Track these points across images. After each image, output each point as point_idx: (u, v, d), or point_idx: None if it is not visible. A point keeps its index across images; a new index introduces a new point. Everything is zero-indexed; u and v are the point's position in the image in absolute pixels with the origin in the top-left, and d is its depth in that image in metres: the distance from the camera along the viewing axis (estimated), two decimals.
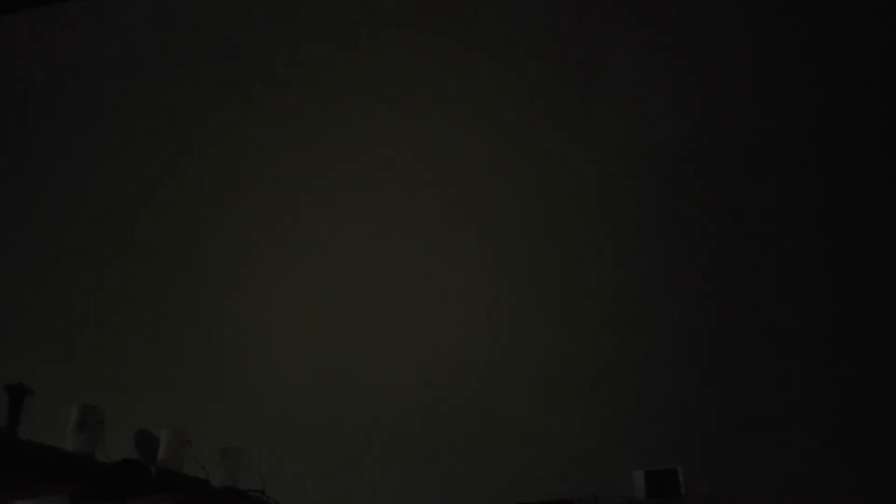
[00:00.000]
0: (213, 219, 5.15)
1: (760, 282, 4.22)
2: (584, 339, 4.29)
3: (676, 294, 4.27)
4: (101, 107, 5.69)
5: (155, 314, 4.95)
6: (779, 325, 4.10)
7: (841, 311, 4.06)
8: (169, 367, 4.76)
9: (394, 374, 4.45)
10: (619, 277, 4.39)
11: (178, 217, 5.22)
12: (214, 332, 4.81)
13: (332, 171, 5.08)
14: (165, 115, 5.54)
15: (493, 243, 4.64)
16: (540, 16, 5.08)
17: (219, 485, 3.33)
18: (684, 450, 3.85)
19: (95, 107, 5.71)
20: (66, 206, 5.45)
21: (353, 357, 4.56)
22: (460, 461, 4.15)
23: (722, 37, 4.76)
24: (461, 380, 4.34)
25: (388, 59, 5.26)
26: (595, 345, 4.26)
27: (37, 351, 4.93)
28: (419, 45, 5.25)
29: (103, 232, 5.30)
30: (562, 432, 4.10)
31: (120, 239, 5.25)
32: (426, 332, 4.51)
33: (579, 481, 3.86)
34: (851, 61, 4.52)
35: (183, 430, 3.22)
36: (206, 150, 5.37)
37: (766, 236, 4.31)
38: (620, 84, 4.82)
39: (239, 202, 5.14)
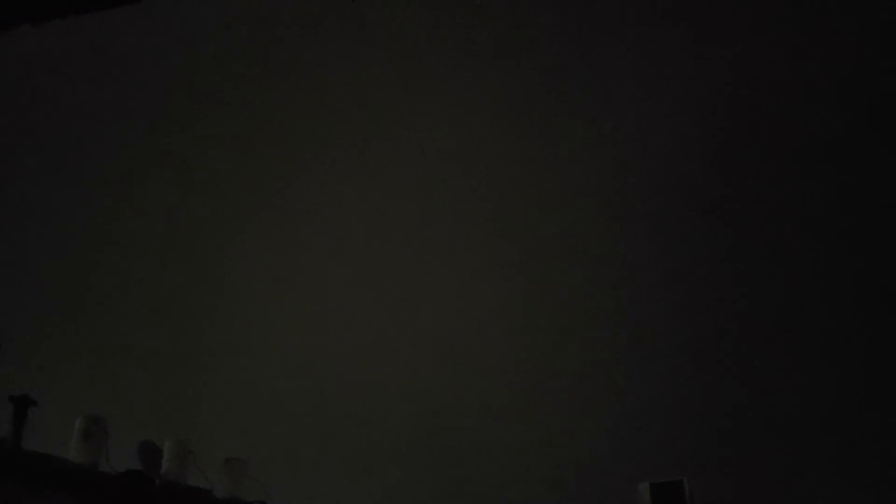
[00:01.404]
0: (219, 228, 5.15)
1: (765, 287, 4.21)
2: (588, 349, 4.28)
3: (681, 302, 4.26)
4: (95, 112, 5.71)
5: (159, 324, 4.95)
6: (786, 332, 4.09)
7: (848, 318, 4.05)
8: (173, 378, 4.75)
9: (398, 383, 4.44)
10: (625, 285, 4.39)
11: (182, 227, 5.22)
12: (219, 343, 4.81)
13: (330, 174, 5.08)
14: (163, 118, 5.55)
15: (494, 246, 4.64)
16: (538, 15, 5.10)
17: (222, 495, 3.33)
18: (689, 461, 3.84)
19: (90, 112, 5.72)
20: (68, 215, 5.46)
21: (359, 366, 4.55)
22: (462, 471, 4.14)
23: (721, 35, 4.77)
24: (463, 389, 4.33)
25: (386, 57, 5.27)
26: (599, 355, 4.25)
27: (40, 361, 4.93)
28: (417, 43, 5.26)
29: (105, 240, 5.31)
30: (566, 443, 4.09)
31: (123, 248, 5.26)
32: (427, 339, 4.51)
33: (584, 493, 3.85)
34: (854, 60, 4.52)
35: (187, 440, 3.23)
36: (208, 154, 5.38)
37: (768, 239, 4.30)
38: (620, 85, 4.82)
39: (244, 210, 5.15)
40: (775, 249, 4.27)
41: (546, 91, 4.91)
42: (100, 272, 5.23)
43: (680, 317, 4.22)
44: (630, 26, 4.93)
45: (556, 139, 4.81)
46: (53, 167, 5.67)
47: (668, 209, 4.48)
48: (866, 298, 4.05)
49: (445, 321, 4.53)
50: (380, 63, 5.25)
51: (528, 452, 4.11)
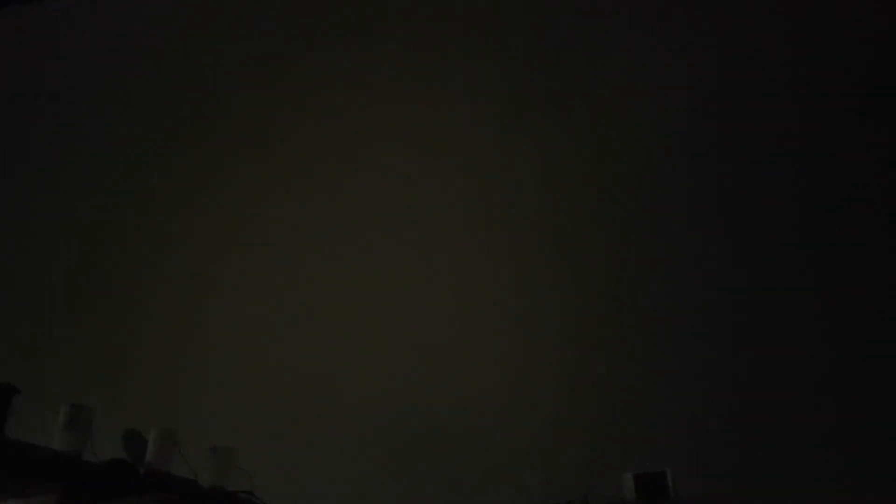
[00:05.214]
0: (205, 219, 5.14)
1: (751, 280, 4.23)
2: (573, 341, 4.29)
3: (666, 295, 4.28)
4: (96, 106, 5.67)
5: (144, 313, 4.94)
6: (769, 324, 4.11)
7: (832, 309, 4.08)
8: (159, 367, 4.74)
9: (384, 375, 4.45)
10: (610, 279, 4.40)
11: (169, 217, 5.20)
12: (205, 332, 4.80)
13: (325, 173, 5.07)
14: (164, 114, 5.52)
15: (482, 244, 4.65)
16: (539, 17, 5.10)
17: (207, 485, 3.33)
18: (673, 452, 3.86)
19: (91, 107, 5.68)
20: (56, 205, 5.43)
21: (345, 360, 4.55)
22: (448, 464, 4.15)
23: (713, 31, 4.78)
24: (449, 383, 4.34)
25: (385, 60, 5.26)
26: (584, 347, 4.26)
27: (23, 349, 4.91)
28: (416, 46, 5.26)
29: (92, 229, 5.28)
30: (551, 435, 4.10)
31: (109, 237, 5.24)
32: (416, 334, 4.51)
33: (569, 484, 3.87)
34: (845, 58, 4.54)
35: (172, 430, 3.21)
36: (200, 149, 5.36)
37: (757, 233, 4.32)
38: (620, 85, 4.83)
39: (231, 203, 5.13)
40: (766, 244, 4.29)
41: (546, 95, 4.92)
42: (86, 263, 5.20)
43: (667, 310, 4.24)
44: (612, 23, 4.94)
45: (550, 144, 4.82)
46: (50, 155, 5.63)
47: (653, 205, 4.50)
48: (856, 289, 4.09)
49: (433, 318, 4.54)
50: (375, 64, 5.25)
51: (513, 444, 4.13)
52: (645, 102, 4.73)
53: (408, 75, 5.18)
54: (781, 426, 3.90)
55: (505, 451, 4.12)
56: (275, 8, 5.59)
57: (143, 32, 5.79)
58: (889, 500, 3.64)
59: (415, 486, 4.14)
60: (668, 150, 4.59)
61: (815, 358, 4.00)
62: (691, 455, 3.86)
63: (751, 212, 4.37)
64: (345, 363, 4.53)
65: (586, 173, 4.67)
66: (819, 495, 3.69)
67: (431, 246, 4.71)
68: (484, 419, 4.22)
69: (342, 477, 4.24)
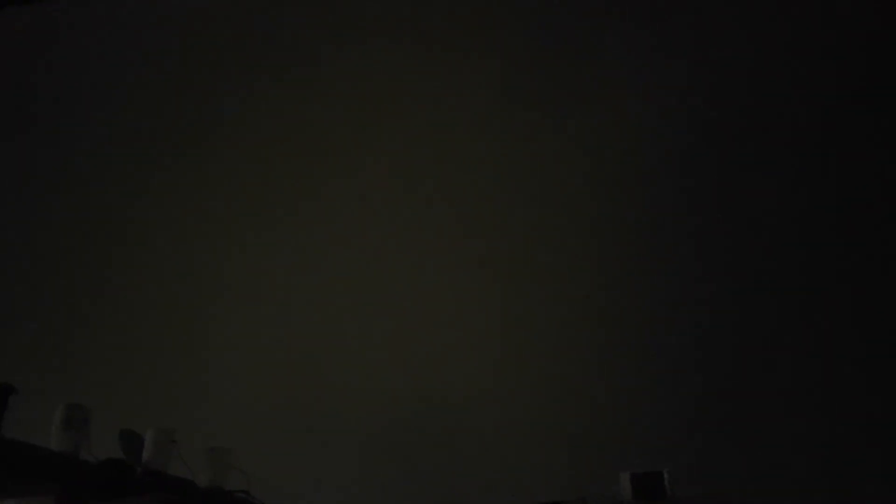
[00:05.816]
0: (201, 217, 5.14)
1: (749, 282, 4.23)
2: (571, 341, 4.29)
3: (665, 296, 4.28)
4: (92, 104, 5.68)
5: (141, 311, 4.94)
6: (767, 326, 4.11)
7: (831, 309, 4.07)
8: (155, 366, 4.74)
9: (383, 375, 4.45)
10: (608, 280, 4.40)
11: (164, 215, 5.21)
12: (201, 331, 4.80)
13: (321, 173, 5.08)
14: (165, 114, 5.53)
15: (481, 245, 4.65)
16: (536, 17, 5.10)
17: (205, 485, 3.33)
18: (671, 452, 3.86)
19: (87, 104, 5.69)
20: (56, 205, 5.44)
21: (342, 360, 4.55)
22: (446, 465, 4.15)
23: (715, 34, 4.77)
24: (447, 384, 4.34)
25: (383, 61, 5.26)
26: (582, 347, 4.26)
27: (20, 348, 4.92)
28: (414, 46, 5.26)
29: (87, 228, 5.29)
30: (548, 435, 4.10)
31: (104, 235, 5.24)
32: (415, 334, 4.51)
33: (566, 484, 3.87)
34: (847, 58, 4.53)
35: (169, 429, 3.22)
36: (197, 149, 5.36)
37: (756, 233, 4.32)
38: (617, 86, 4.83)
39: (228, 200, 5.14)
40: (765, 245, 4.29)
41: (546, 96, 4.92)
42: (82, 262, 5.21)
43: (665, 311, 4.24)
44: (611, 24, 4.94)
45: (549, 144, 4.82)
46: (43, 154, 5.64)
47: (652, 207, 4.49)
48: (854, 291, 4.08)
49: (431, 318, 4.54)
50: (374, 62, 5.26)
51: (510, 444, 4.13)
52: (643, 104, 4.73)
53: (406, 75, 5.19)
54: (781, 426, 3.89)
55: (503, 451, 4.12)
56: (274, 7, 5.60)
57: (143, 32, 5.80)
58: (889, 500, 3.64)
59: (413, 486, 4.14)
60: (667, 151, 4.59)
61: (814, 358, 4.00)
62: (689, 455, 3.86)
63: (750, 213, 4.37)
64: (343, 364, 4.53)
65: (585, 175, 4.66)
66: (819, 495, 3.69)
67: (431, 247, 4.71)
68: (482, 419, 4.22)
69: (341, 477, 4.24)
